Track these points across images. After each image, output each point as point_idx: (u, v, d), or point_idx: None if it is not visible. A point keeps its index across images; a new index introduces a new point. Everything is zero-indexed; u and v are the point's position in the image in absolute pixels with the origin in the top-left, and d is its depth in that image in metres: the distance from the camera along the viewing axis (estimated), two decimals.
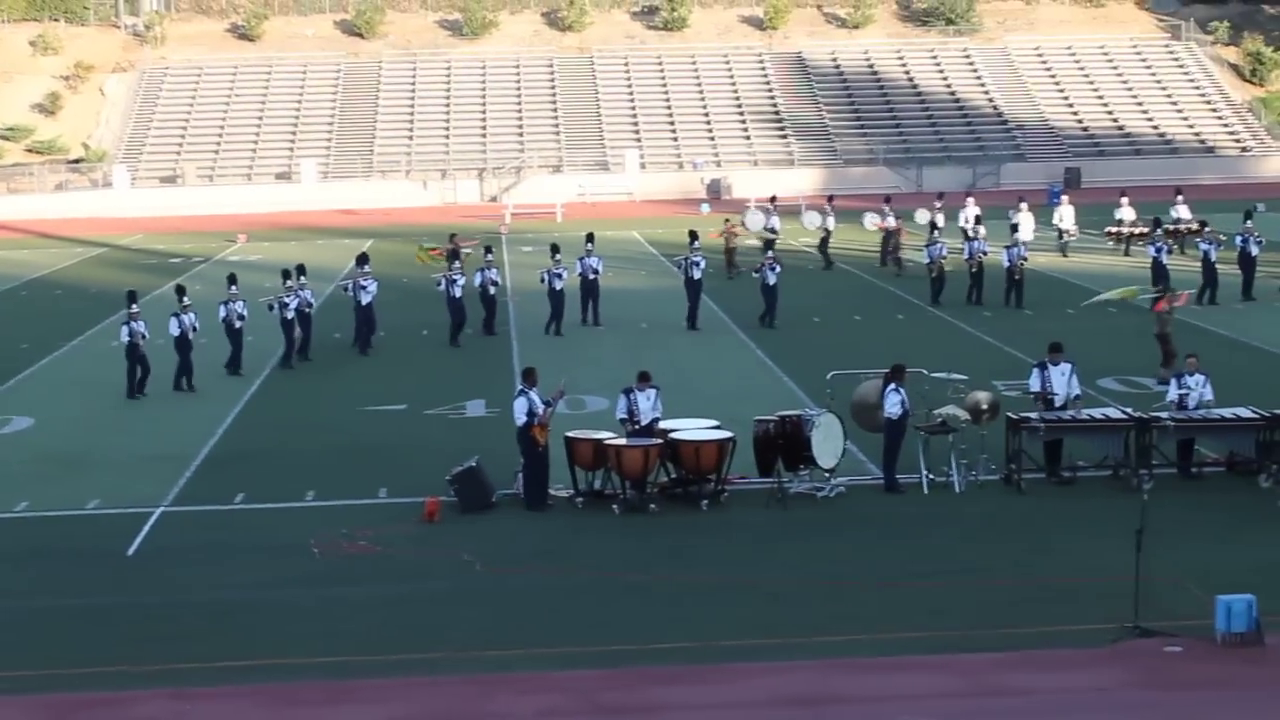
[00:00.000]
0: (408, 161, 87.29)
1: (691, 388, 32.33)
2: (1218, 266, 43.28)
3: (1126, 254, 52.97)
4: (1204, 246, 43.29)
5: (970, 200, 52.53)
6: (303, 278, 38.16)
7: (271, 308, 37.70)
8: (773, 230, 52.52)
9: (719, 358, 37.74)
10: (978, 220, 46.22)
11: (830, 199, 57.50)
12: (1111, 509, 23.44)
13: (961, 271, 44.28)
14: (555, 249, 41.87)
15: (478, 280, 40.45)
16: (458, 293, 39.80)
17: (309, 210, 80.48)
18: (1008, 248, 43.25)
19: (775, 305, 41.07)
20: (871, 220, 55.81)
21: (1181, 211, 54.14)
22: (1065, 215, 53.20)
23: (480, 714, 16.99)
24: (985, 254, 43.59)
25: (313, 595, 21.02)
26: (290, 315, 37.37)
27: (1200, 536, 22.59)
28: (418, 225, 70.64)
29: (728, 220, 53.38)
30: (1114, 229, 54.19)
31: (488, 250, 42.97)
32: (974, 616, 19.52)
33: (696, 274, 41.19)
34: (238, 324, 36.64)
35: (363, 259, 41.19)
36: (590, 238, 43.37)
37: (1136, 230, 53.18)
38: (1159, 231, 44.09)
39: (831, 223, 54.27)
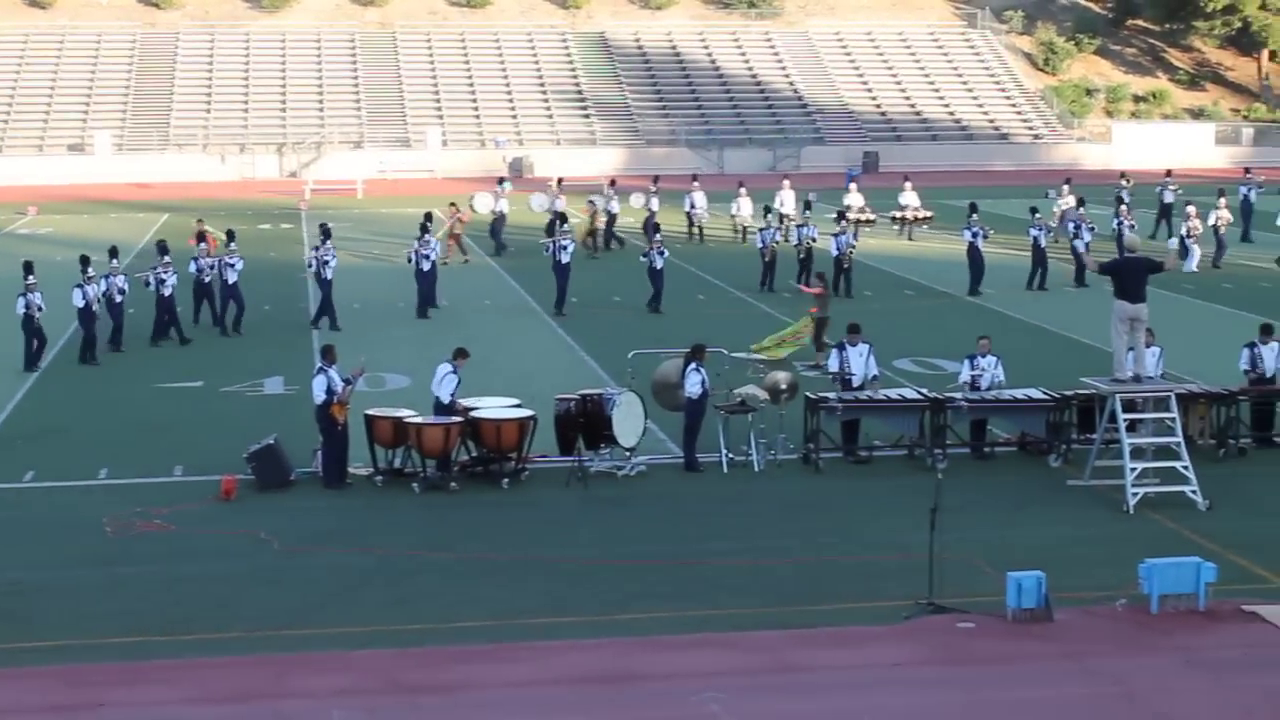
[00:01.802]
0: (205, 135, 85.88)
1: (493, 366, 32.25)
2: (1047, 252, 44.37)
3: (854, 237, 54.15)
4: (1034, 232, 44.22)
5: (696, 184, 53.88)
6: (166, 256, 37.39)
7: (148, 284, 36.89)
8: (652, 210, 52.71)
9: (520, 337, 37.68)
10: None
11: (560, 180, 56.55)
12: (907, 488, 23.83)
13: (789, 256, 44.46)
14: (424, 228, 41.25)
15: (308, 261, 39.64)
16: (329, 274, 38.91)
17: (103, 183, 78.79)
18: (836, 235, 43.44)
19: (660, 288, 40.62)
20: (539, 202, 55.36)
21: (909, 199, 55.72)
22: (786, 200, 53.65)
23: (277, 694, 16.80)
24: (814, 240, 43.97)
25: (106, 575, 20.62)
26: (168, 292, 36.67)
27: (992, 515, 23.06)
28: (215, 200, 69.61)
29: (453, 204, 50.88)
30: (897, 213, 55.54)
31: (325, 231, 41.19)
32: (771, 594, 19.74)
33: (565, 257, 40.68)
34: (118, 298, 35.83)
35: (230, 235, 39.99)
36: (428, 217, 42.95)
37: (864, 217, 54.10)
38: (1037, 216, 45.05)
39: (561, 204, 53.71)
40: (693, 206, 53.91)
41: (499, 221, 52.28)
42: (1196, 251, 47.23)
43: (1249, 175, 57.23)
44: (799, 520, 23.08)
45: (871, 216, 54.48)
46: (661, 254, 40.59)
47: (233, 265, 38.10)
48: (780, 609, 19.14)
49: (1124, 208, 47.84)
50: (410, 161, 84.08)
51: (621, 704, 16.60)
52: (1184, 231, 47.05)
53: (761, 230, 45.35)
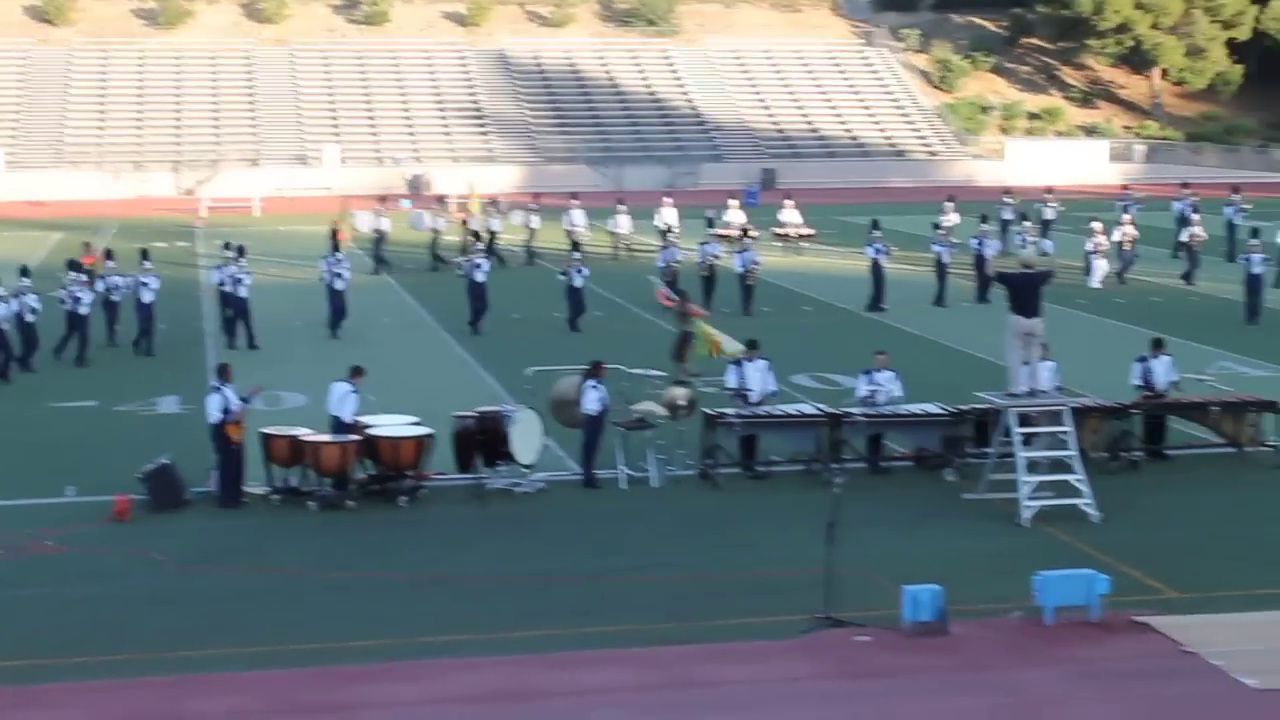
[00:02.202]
0: (99, 152, 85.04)
1: (391, 383, 32.08)
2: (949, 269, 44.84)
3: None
4: (937, 248, 44.72)
5: (575, 201, 54.01)
6: (81, 274, 36.85)
7: (63, 302, 36.31)
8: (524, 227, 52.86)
9: (418, 354, 37.55)
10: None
11: (442, 199, 56.47)
12: (804, 503, 23.88)
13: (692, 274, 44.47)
14: (335, 245, 40.91)
15: (218, 280, 39.34)
16: (243, 292, 38.55)
17: None
18: (739, 251, 43.80)
19: (579, 305, 40.86)
20: (421, 220, 55.21)
21: (788, 216, 56.76)
22: (667, 217, 53.95)
23: (172, 716, 16.62)
24: (717, 258, 44.12)
25: None
26: (84, 310, 36.15)
27: (889, 529, 23.18)
28: (110, 218, 68.89)
29: (336, 220, 50.91)
30: (779, 229, 56.16)
31: (239, 249, 40.61)
32: (670, 610, 19.74)
33: (480, 276, 40.60)
34: (29, 318, 35.23)
35: (144, 254, 39.47)
36: (335, 234, 42.83)
37: (746, 232, 54.29)
38: (939, 232, 45.48)
39: (443, 224, 53.98)
40: (572, 224, 53.86)
41: (380, 239, 52.03)
42: (1100, 267, 47.83)
43: (1128, 191, 58.29)
44: (698, 536, 23.11)
45: (755, 234, 54.75)
46: (580, 272, 40.72)
47: (147, 284, 37.67)
48: (679, 624, 19.15)
49: (1027, 224, 49.15)
50: (307, 179, 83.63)
51: None
52: (1090, 248, 47.80)
53: (662, 249, 45.51)
